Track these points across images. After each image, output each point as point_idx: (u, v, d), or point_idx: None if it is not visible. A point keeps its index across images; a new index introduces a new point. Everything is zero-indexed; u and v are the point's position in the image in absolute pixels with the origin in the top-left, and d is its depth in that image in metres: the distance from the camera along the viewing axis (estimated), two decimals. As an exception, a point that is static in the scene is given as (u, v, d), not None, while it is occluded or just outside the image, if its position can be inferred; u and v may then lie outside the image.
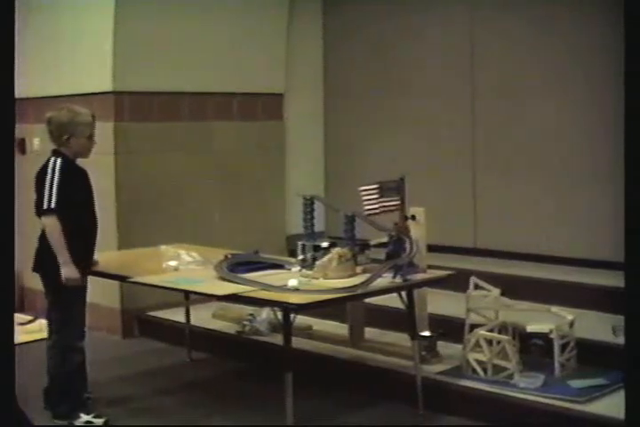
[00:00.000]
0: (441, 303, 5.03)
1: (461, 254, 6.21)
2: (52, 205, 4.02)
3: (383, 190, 4.39)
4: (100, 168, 5.74)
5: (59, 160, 4.12)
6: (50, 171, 4.08)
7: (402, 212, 4.50)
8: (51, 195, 4.03)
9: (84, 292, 4.27)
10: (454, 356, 4.66)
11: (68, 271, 4.05)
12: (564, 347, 4.39)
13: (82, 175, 4.25)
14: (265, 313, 5.38)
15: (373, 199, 4.38)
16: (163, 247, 4.78)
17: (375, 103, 6.89)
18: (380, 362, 4.72)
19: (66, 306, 4.20)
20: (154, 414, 4.47)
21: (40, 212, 4.07)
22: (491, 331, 4.48)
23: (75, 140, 4.16)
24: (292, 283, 3.90)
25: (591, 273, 5.54)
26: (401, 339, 4.72)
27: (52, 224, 4.04)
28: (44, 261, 4.15)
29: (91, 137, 4.22)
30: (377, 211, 4.39)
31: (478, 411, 4.20)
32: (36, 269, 4.27)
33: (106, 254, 4.88)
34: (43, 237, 4.14)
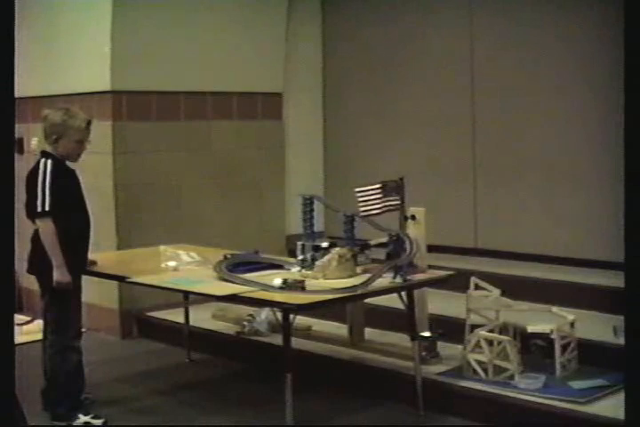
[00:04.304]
0: (441, 304, 5.02)
1: (462, 255, 6.21)
2: (47, 208, 4.02)
3: (383, 190, 4.39)
4: (98, 168, 5.76)
5: (49, 162, 4.11)
6: (41, 173, 4.07)
7: (402, 212, 4.50)
8: (44, 197, 4.02)
9: (79, 292, 4.26)
10: (454, 356, 4.65)
11: (59, 275, 4.05)
12: (564, 347, 4.38)
13: (72, 176, 4.24)
14: (264, 314, 5.37)
15: (372, 200, 4.38)
16: (162, 247, 4.77)
17: (375, 103, 6.88)
18: (380, 363, 4.70)
19: (61, 306, 4.19)
20: (153, 415, 4.46)
21: (32, 214, 4.07)
22: (491, 331, 4.47)
23: (63, 142, 4.14)
24: (277, 282, 3.90)
25: (591, 273, 5.54)
26: (401, 339, 4.71)
27: (46, 227, 4.04)
28: (39, 262, 4.14)
29: (81, 142, 4.18)
30: (375, 211, 4.39)
31: (479, 412, 4.19)
32: (30, 270, 4.27)
33: (104, 255, 4.88)
34: (35, 239, 4.13)
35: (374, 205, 4.37)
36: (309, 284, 3.99)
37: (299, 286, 3.84)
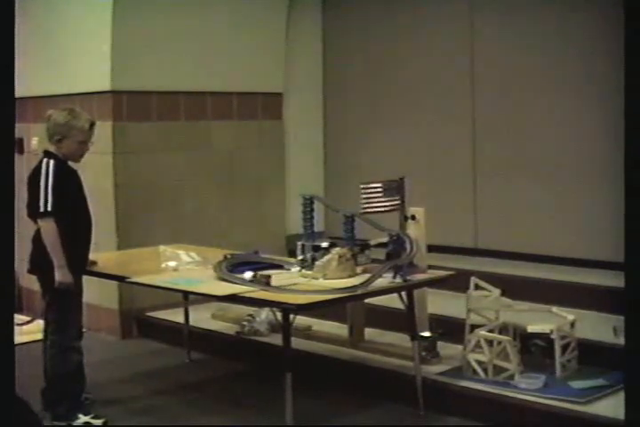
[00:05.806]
0: (441, 304, 5.02)
1: (462, 255, 6.21)
2: (49, 208, 4.02)
3: (383, 190, 4.39)
4: (98, 168, 5.76)
5: (52, 162, 4.11)
6: (43, 173, 4.07)
7: (402, 212, 4.50)
8: (46, 197, 4.02)
9: (80, 292, 4.27)
10: (454, 356, 4.65)
11: (61, 275, 4.05)
12: (564, 347, 4.38)
13: (74, 176, 4.24)
14: (264, 314, 5.37)
15: (373, 198, 4.38)
16: (162, 247, 4.76)
17: (375, 103, 6.88)
18: (380, 363, 4.70)
19: (62, 307, 4.19)
20: (153, 415, 4.46)
21: (34, 214, 4.07)
22: (491, 331, 4.47)
23: (66, 142, 4.14)
24: (247, 275, 3.96)
25: (591, 273, 5.54)
26: (401, 339, 4.71)
27: (48, 227, 4.04)
28: (40, 262, 4.14)
29: (83, 143, 4.18)
30: (376, 210, 4.39)
31: (479, 412, 4.19)
32: (31, 270, 4.27)
33: (105, 255, 4.88)
34: (37, 239, 4.13)
35: (376, 204, 4.38)
36: (309, 284, 4.00)
37: (264, 280, 3.91)
